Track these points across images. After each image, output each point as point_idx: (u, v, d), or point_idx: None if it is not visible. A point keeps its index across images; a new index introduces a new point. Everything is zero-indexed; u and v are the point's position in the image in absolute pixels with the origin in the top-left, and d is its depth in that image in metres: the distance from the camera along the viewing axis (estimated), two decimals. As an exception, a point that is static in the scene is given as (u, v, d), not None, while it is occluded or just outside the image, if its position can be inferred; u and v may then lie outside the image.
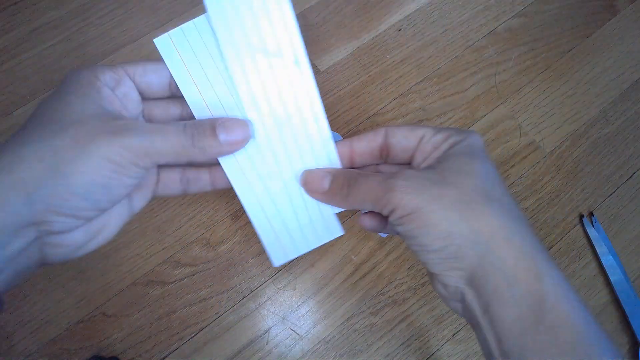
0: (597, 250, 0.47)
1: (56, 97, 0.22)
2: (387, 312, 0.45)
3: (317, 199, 0.27)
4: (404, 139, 0.26)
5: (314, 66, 0.54)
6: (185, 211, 0.47)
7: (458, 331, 0.45)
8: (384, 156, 0.27)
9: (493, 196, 0.22)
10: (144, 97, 0.26)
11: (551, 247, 0.48)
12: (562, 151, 0.51)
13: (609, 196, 0.50)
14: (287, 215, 0.27)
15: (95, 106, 0.22)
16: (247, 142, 0.25)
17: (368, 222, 0.28)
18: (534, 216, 0.49)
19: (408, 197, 0.22)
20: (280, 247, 0.28)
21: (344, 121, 0.51)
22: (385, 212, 0.24)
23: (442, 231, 0.22)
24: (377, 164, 0.29)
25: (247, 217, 0.47)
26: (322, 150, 0.26)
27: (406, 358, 0.44)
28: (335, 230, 0.28)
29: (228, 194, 0.48)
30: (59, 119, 0.21)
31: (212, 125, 0.23)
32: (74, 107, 0.22)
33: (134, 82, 0.25)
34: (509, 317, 0.21)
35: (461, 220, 0.21)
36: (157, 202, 0.48)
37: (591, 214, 0.49)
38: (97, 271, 0.45)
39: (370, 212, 0.28)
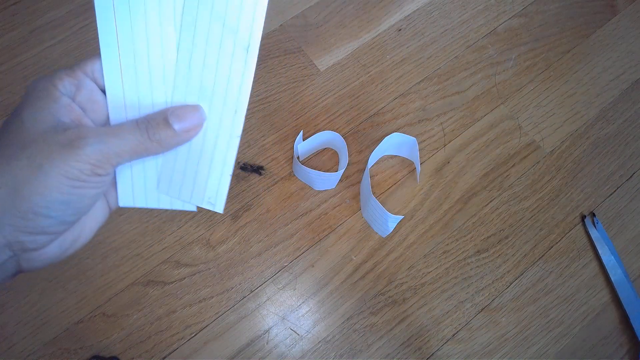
0: (599, 250, 0.47)
1: (16, 114, 0.22)
2: (387, 312, 0.45)
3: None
4: None
5: (314, 66, 0.54)
6: (185, 211, 0.47)
7: (458, 331, 0.45)
8: None
9: None
10: None
11: (551, 247, 0.48)
12: (562, 151, 0.51)
13: (609, 196, 0.50)
14: (150, 166, 0.27)
15: (51, 120, 0.22)
16: (203, 125, 0.25)
17: None
18: (534, 216, 0.49)
19: None
20: (131, 191, 0.27)
21: (344, 121, 0.51)
22: None
23: None
24: None
25: (247, 218, 0.47)
26: (225, 144, 0.26)
27: (406, 358, 0.44)
28: (189, 205, 0.28)
29: (228, 195, 0.48)
30: (18, 139, 0.21)
31: (164, 116, 0.23)
32: (30, 124, 0.21)
33: (96, 82, 0.24)
34: None
35: None
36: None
37: (593, 215, 0.49)
38: (97, 271, 0.45)
39: None
